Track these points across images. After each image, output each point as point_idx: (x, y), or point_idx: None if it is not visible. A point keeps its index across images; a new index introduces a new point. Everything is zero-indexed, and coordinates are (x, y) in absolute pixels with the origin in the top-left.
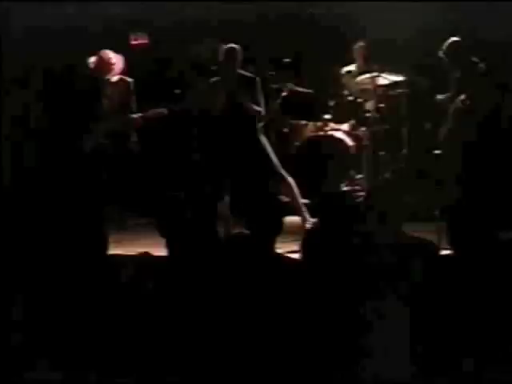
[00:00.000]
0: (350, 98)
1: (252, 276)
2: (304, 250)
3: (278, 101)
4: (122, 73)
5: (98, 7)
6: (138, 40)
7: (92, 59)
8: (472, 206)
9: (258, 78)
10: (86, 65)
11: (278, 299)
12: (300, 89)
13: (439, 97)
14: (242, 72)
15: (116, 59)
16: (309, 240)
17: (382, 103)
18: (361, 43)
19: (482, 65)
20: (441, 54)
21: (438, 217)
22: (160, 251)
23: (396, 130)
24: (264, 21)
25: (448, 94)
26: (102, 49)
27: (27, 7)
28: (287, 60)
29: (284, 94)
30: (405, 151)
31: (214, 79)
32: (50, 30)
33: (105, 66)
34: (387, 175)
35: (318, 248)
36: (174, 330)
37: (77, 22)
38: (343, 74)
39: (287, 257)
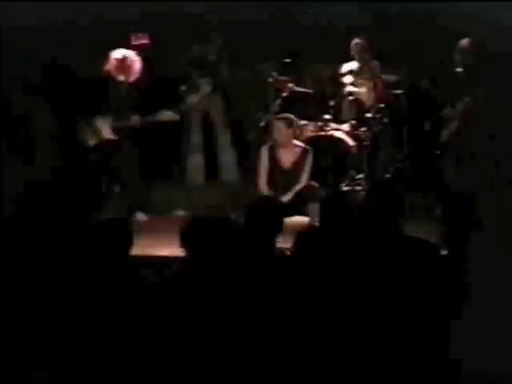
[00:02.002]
0: (351, 98)
1: (251, 275)
2: (302, 249)
3: (278, 101)
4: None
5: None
6: (139, 40)
7: (112, 60)
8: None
9: (310, 151)
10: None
11: (277, 297)
12: (300, 89)
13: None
14: (296, 142)
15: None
16: (304, 239)
17: (382, 103)
18: (359, 41)
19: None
20: (455, 55)
21: (438, 216)
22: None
23: (396, 130)
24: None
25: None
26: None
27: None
28: (287, 60)
29: (284, 94)
30: (405, 151)
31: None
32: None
33: (126, 68)
34: (387, 175)
35: (316, 249)
36: (176, 328)
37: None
38: (343, 73)
39: (286, 256)
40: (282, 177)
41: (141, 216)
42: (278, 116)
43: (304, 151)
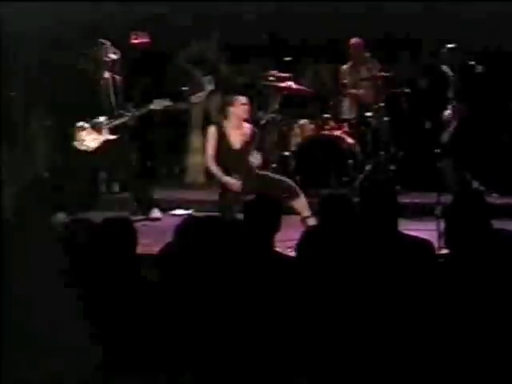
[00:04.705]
0: (350, 97)
1: (250, 274)
2: (302, 249)
3: (278, 100)
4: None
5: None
6: (139, 38)
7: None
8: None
9: (258, 132)
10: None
11: (275, 297)
12: (299, 87)
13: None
14: (245, 123)
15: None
16: (307, 240)
17: (382, 102)
18: (357, 40)
19: (479, 66)
20: (442, 65)
21: (438, 216)
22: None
23: (396, 129)
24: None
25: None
26: None
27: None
28: (288, 59)
29: (284, 92)
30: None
31: None
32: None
33: None
34: (387, 174)
35: (316, 248)
36: (174, 328)
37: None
38: (343, 72)
39: (285, 255)
40: (231, 157)
41: (157, 213)
42: (233, 98)
43: (253, 132)
